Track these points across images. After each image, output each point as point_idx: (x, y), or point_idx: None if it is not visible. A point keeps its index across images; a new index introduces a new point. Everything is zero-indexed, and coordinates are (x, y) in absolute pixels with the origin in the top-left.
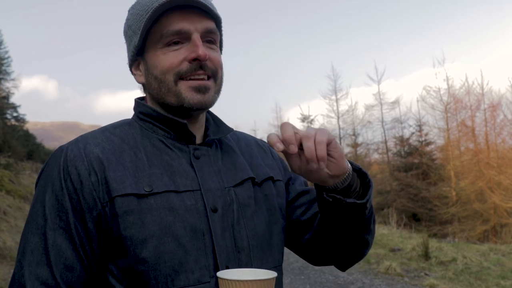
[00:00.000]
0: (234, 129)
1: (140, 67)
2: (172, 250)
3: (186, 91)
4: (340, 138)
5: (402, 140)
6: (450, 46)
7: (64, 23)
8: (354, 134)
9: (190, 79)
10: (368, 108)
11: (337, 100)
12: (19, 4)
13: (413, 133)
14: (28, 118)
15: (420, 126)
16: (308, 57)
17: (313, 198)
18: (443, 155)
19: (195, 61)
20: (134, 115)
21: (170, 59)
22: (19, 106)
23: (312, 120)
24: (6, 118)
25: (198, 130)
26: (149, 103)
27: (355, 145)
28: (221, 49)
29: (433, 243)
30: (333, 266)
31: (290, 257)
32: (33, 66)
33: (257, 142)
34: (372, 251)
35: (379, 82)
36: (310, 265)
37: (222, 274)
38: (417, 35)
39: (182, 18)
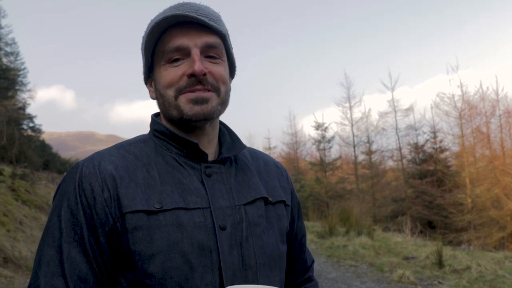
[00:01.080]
0: (248, 136)
1: (152, 83)
2: (178, 266)
3: (185, 104)
4: (354, 146)
5: (416, 147)
6: (464, 52)
7: (81, 33)
8: (368, 142)
9: (188, 92)
10: (382, 115)
11: (350, 108)
12: (39, 16)
13: (427, 140)
14: (44, 128)
15: (434, 133)
16: (321, 65)
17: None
18: (458, 161)
19: (192, 76)
20: (150, 132)
21: (170, 74)
22: (35, 116)
23: (326, 128)
24: (23, 128)
25: (209, 145)
26: (162, 118)
27: (369, 153)
28: (231, 63)
29: (448, 251)
30: (346, 275)
31: None
32: (50, 76)
33: (276, 164)
34: (385, 259)
35: (393, 89)
36: (323, 274)
37: None
38: (432, 42)
39: (181, 34)
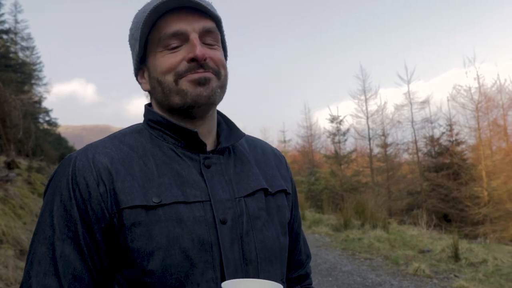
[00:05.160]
0: (263, 129)
1: (145, 75)
2: (178, 263)
3: (188, 86)
4: (370, 139)
5: (432, 140)
6: (481, 47)
7: (103, 26)
8: (383, 134)
9: (190, 74)
10: (398, 108)
11: (366, 100)
12: (62, 10)
13: (443, 132)
14: (62, 122)
15: (450, 126)
16: (337, 58)
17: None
18: (474, 154)
19: (193, 61)
20: (144, 122)
21: (169, 60)
22: (51, 110)
23: (341, 120)
24: (39, 122)
25: (208, 134)
26: (156, 109)
27: (384, 146)
28: (225, 49)
29: (464, 244)
30: (361, 268)
31: (317, 259)
32: (70, 70)
33: (274, 152)
34: (401, 252)
35: (409, 82)
36: (338, 267)
37: (226, 285)
38: (448, 35)
39: (179, 19)
